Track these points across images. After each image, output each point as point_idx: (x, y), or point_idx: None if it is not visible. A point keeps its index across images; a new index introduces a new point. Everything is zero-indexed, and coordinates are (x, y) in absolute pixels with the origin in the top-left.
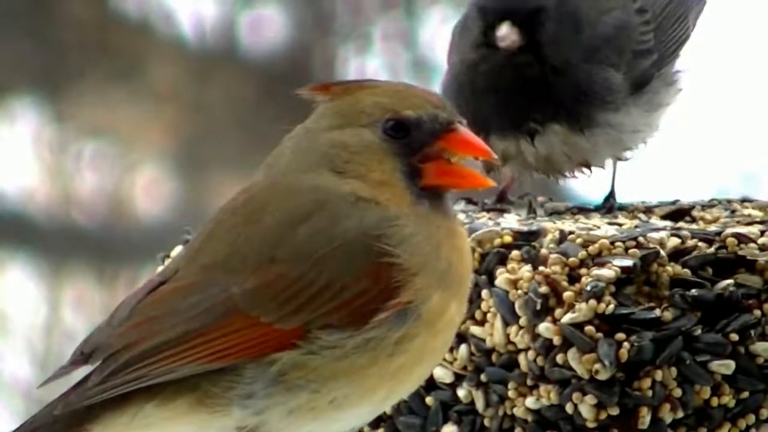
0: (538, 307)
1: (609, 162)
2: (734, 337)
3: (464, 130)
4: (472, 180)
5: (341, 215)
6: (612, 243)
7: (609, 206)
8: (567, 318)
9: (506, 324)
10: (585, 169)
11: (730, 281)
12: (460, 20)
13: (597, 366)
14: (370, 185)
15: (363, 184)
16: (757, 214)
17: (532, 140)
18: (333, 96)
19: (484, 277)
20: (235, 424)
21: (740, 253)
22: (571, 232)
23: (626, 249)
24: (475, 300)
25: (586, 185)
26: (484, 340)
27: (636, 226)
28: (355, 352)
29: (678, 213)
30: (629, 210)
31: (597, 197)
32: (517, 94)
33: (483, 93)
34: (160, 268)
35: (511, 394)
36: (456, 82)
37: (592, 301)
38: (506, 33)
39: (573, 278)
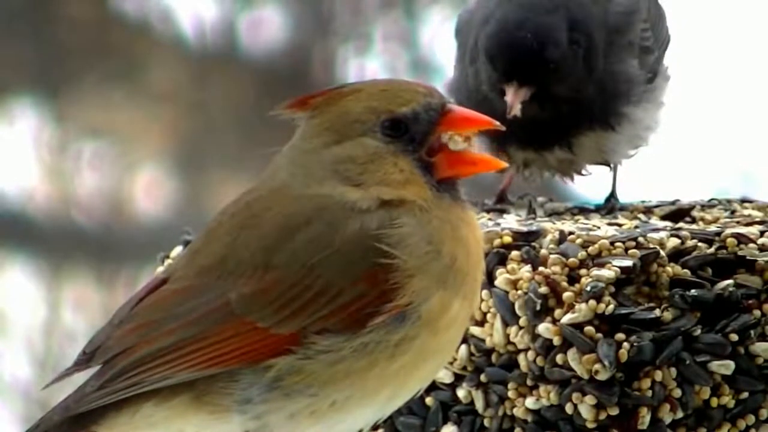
0: (538, 307)
1: (624, 158)
2: (734, 337)
3: (459, 109)
4: (484, 164)
5: (340, 221)
6: (612, 243)
7: (610, 207)
8: (567, 318)
9: (506, 324)
10: (603, 167)
11: (729, 281)
12: (467, 13)
13: (597, 366)
14: (394, 187)
15: (387, 188)
16: (757, 214)
17: (570, 149)
18: (313, 110)
19: (484, 277)
20: (237, 428)
21: (740, 253)
22: (570, 233)
23: (626, 249)
24: None
25: (586, 185)
26: (484, 341)
27: (636, 227)
28: (352, 355)
29: (678, 213)
30: (629, 210)
31: (596, 197)
32: (545, 124)
33: (506, 121)
34: (160, 269)
35: (510, 394)
36: (473, 93)
37: (592, 302)
38: (512, 101)
39: (573, 279)
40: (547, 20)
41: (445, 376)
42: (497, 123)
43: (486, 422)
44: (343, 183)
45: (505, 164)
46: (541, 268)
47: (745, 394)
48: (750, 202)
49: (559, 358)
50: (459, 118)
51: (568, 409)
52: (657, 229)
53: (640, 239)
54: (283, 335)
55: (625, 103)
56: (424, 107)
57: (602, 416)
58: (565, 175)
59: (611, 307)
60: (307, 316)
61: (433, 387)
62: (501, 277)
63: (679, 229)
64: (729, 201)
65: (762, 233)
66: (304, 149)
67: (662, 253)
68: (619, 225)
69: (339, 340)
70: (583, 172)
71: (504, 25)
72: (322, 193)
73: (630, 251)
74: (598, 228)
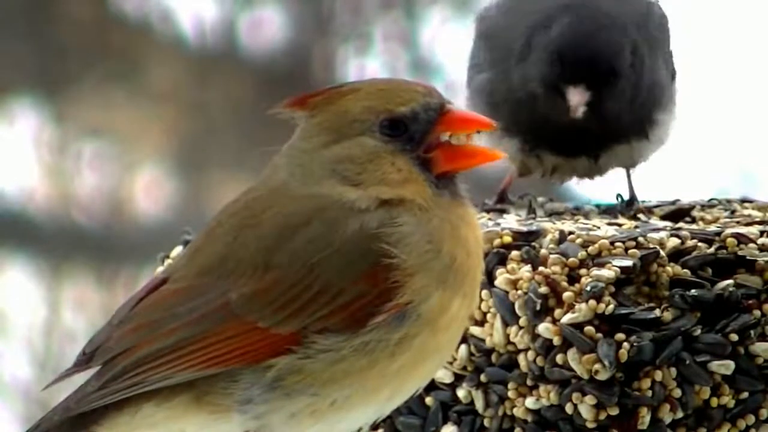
0: (538, 307)
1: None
2: (734, 337)
3: (458, 110)
4: (482, 156)
5: (340, 221)
6: (612, 243)
7: (637, 209)
8: (567, 318)
9: (506, 324)
10: (626, 170)
11: (729, 281)
12: (498, 17)
13: (597, 366)
14: (392, 186)
15: (385, 187)
16: (757, 214)
17: (596, 160)
18: (311, 109)
19: (483, 277)
20: (238, 428)
21: (740, 253)
22: (570, 233)
23: (626, 249)
24: None
25: (587, 186)
26: (483, 341)
27: (636, 226)
28: (353, 354)
29: (678, 213)
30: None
31: (594, 197)
32: (584, 133)
33: (544, 123)
34: (160, 269)
35: (510, 394)
36: (513, 93)
37: (592, 302)
38: (578, 101)
39: (573, 278)
40: (619, 36)
41: (445, 376)
42: (495, 124)
43: (486, 422)
44: (341, 183)
45: (503, 154)
46: (541, 268)
47: (745, 394)
48: (750, 202)
49: (559, 358)
50: (458, 118)
51: (568, 409)
52: (657, 229)
53: (640, 239)
54: (284, 335)
55: (658, 111)
56: (423, 107)
57: (602, 416)
58: (587, 178)
59: (611, 307)
60: (308, 315)
61: (433, 387)
62: (501, 277)
63: (679, 229)
64: (729, 201)
65: (762, 233)
66: (303, 149)
67: (662, 253)
68: (619, 225)
69: (339, 340)
70: (608, 174)
71: (578, 29)
72: (321, 193)
73: (630, 251)
74: (598, 228)
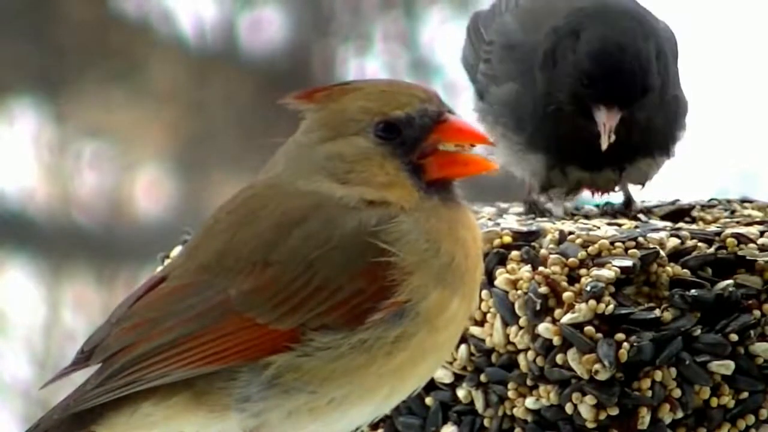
0: (538, 307)
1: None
2: (734, 337)
3: (455, 119)
4: (475, 166)
5: (337, 218)
6: (612, 243)
7: (638, 209)
8: (567, 318)
9: (506, 324)
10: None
11: (729, 281)
12: (517, 24)
13: (597, 366)
14: (377, 188)
15: (370, 189)
16: (757, 214)
17: (620, 174)
18: (317, 104)
19: (483, 277)
20: (236, 427)
21: (740, 253)
22: (570, 233)
23: (626, 249)
24: None
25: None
26: (483, 341)
27: (636, 227)
28: (351, 352)
29: (678, 213)
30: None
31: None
32: (612, 147)
33: (570, 136)
34: (160, 269)
35: (510, 394)
36: (540, 101)
37: (592, 302)
38: (611, 127)
39: (573, 279)
40: (646, 48)
41: (445, 376)
42: (491, 140)
43: (486, 422)
44: (329, 179)
45: (496, 165)
46: (541, 268)
47: (745, 394)
48: (750, 202)
49: (559, 358)
50: (453, 128)
51: (568, 409)
52: (657, 229)
53: (640, 239)
54: (282, 331)
55: (680, 128)
56: (419, 113)
57: (602, 416)
58: (603, 192)
59: (611, 307)
60: (306, 312)
61: (433, 387)
62: (501, 277)
63: (679, 229)
64: (729, 201)
65: (762, 233)
66: (302, 143)
67: (662, 253)
68: (619, 225)
69: (337, 337)
70: (616, 189)
71: (604, 46)
72: (315, 190)
73: (630, 251)
74: (598, 228)
